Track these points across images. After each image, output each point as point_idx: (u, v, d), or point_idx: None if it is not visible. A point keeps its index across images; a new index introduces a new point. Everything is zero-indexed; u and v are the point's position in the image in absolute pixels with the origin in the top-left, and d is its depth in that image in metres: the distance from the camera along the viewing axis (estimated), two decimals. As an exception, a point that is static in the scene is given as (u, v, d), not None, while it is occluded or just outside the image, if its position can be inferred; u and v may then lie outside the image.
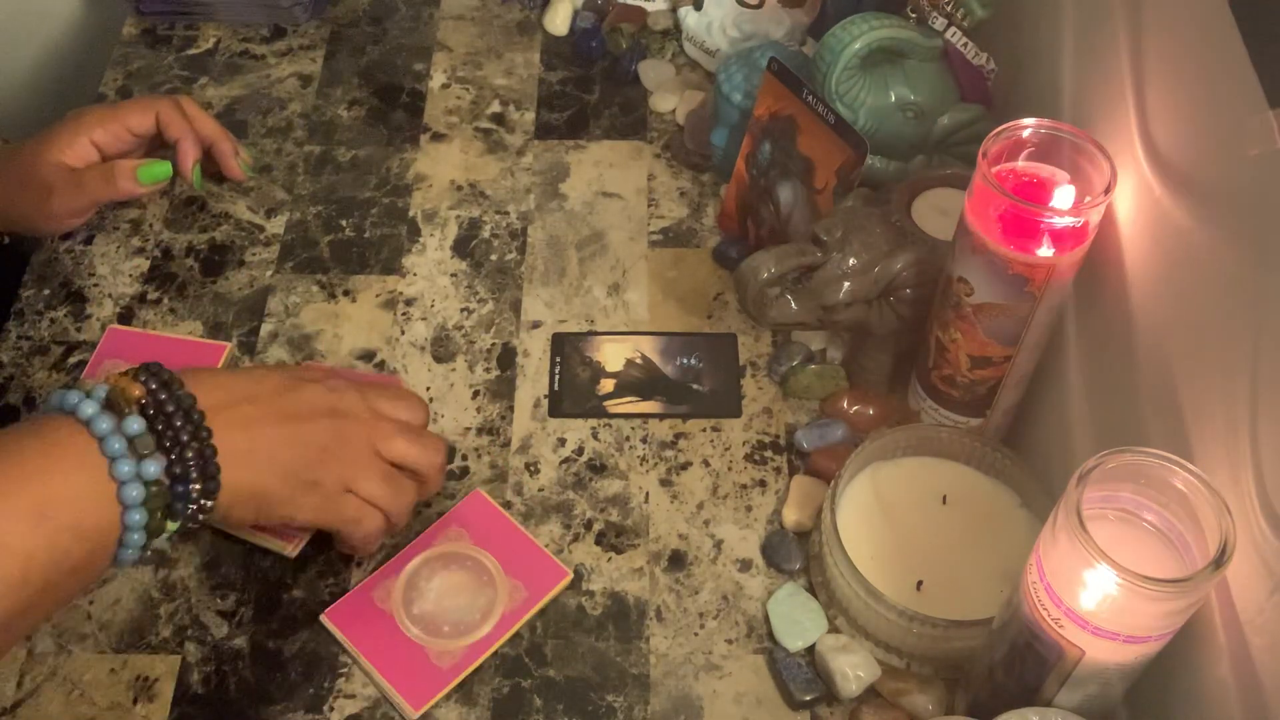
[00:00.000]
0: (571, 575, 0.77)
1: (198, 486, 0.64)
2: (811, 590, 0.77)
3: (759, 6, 1.01)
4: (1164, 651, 0.59)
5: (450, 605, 0.75)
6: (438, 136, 1.02)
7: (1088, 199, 0.66)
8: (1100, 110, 0.70)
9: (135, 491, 0.61)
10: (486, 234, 0.95)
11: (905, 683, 0.72)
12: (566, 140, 1.01)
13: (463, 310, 0.91)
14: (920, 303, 0.78)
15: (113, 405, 0.62)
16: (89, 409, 0.62)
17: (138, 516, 0.62)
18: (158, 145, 0.93)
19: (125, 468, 0.61)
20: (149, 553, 0.64)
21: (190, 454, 0.63)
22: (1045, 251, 0.67)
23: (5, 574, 0.58)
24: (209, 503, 0.65)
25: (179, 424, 0.63)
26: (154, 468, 0.62)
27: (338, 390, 0.72)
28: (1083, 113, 0.73)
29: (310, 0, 1.09)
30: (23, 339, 0.89)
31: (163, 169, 0.90)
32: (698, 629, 0.76)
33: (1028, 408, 0.80)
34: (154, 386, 0.63)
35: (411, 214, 0.96)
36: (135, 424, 0.62)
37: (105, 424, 0.61)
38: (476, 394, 0.86)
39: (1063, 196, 0.67)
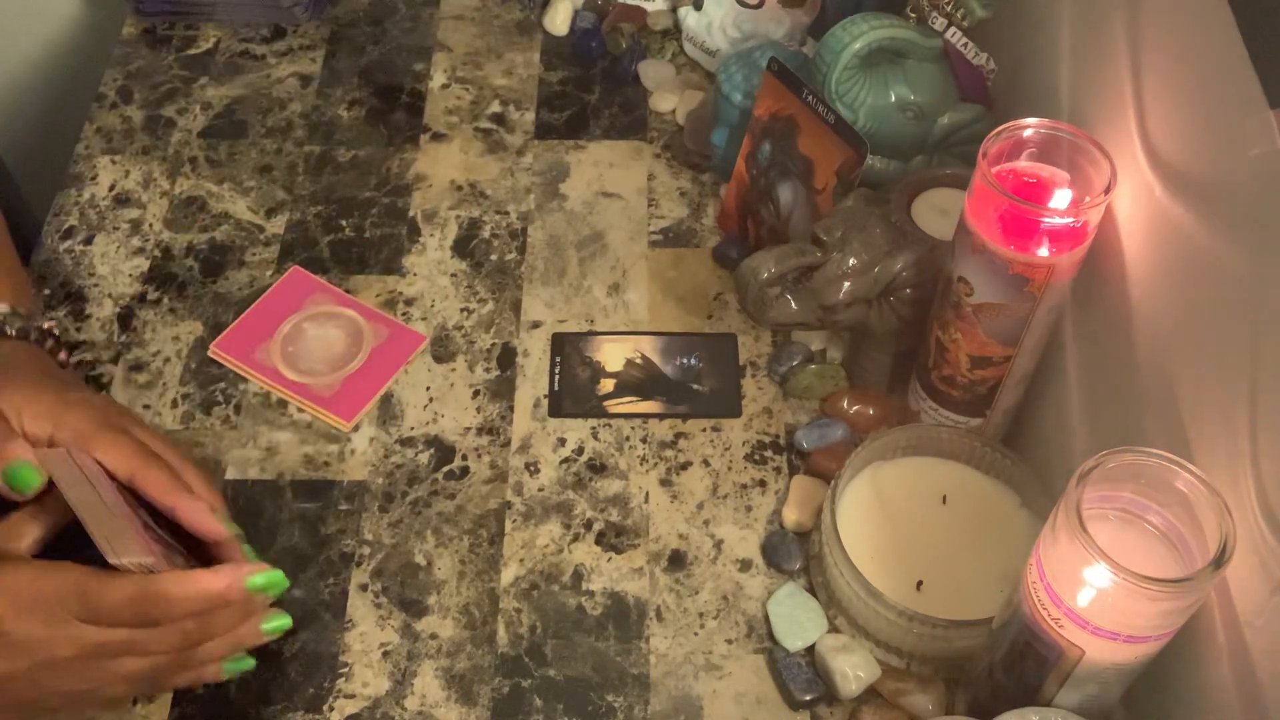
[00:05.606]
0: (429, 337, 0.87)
1: None
2: (811, 590, 0.77)
3: (759, 6, 1.01)
4: (1164, 651, 0.59)
5: (321, 350, 0.87)
6: (438, 136, 1.02)
7: (1087, 199, 0.66)
8: (1100, 110, 0.70)
9: None
10: (486, 234, 0.95)
11: (905, 683, 0.72)
12: (566, 140, 1.01)
13: (463, 310, 0.91)
14: (920, 303, 0.78)
15: None
16: None
17: None
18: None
19: None
20: None
21: None
22: (1045, 251, 0.67)
23: None
24: None
25: None
26: None
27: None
28: (1082, 113, 0.73)
29: (310, 0, 1.09)
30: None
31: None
32: (698, 629, 0.76)
33: (1028, 408, 0.80)
34: None
35: (411, 214, 0.96)
36: None
37: None
38: (476, 394, 0.86)
39: (1062, 196, 0.67)
